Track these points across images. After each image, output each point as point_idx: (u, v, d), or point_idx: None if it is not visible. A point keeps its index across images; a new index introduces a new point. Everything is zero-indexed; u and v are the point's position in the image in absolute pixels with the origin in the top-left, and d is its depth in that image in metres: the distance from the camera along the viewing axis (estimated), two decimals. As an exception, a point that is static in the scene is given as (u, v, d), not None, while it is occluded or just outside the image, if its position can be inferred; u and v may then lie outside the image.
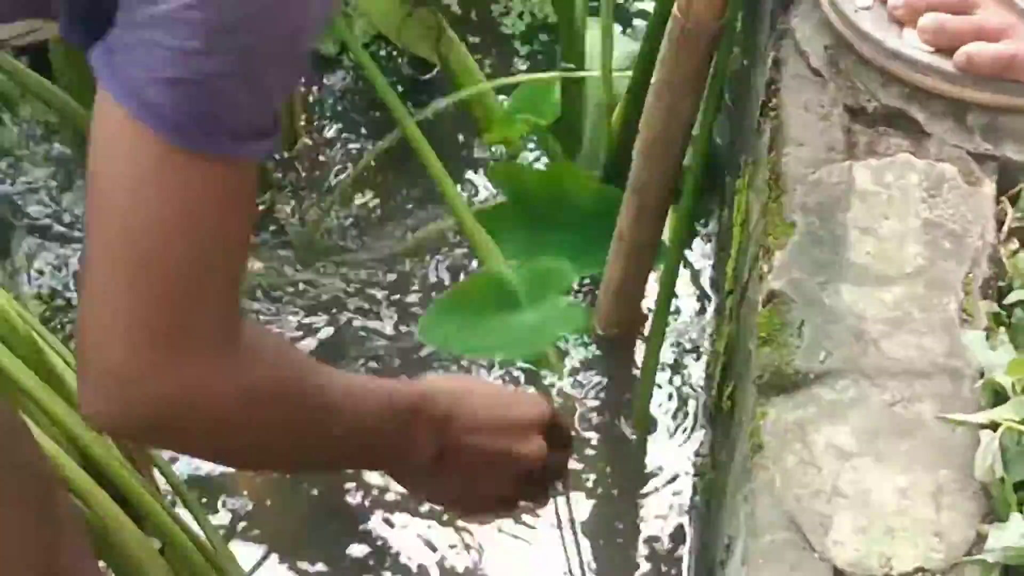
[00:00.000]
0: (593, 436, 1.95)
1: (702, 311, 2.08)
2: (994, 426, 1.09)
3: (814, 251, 1.24)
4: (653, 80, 1.69)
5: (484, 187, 2.16)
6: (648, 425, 1.98)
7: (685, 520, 1.88)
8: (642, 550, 1.84)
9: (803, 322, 1.20)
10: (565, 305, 1.82)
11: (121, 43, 0.98)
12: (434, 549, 1.80)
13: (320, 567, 1.79)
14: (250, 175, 1.03)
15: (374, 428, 1.16)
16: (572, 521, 1.67)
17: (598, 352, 2.05)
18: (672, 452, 1.91)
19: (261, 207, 2.07)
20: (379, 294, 2.03)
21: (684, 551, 1.83)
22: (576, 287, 2.01)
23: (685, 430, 1.93)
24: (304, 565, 1.78)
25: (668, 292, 1.82)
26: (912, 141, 1.31)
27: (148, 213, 0.99)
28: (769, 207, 1.29)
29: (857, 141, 1.32)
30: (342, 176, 2.14)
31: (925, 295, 1.21)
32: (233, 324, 1.04)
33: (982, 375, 1.14)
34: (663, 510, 1.87)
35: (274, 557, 1.80)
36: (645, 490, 1.90)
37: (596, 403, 2.00)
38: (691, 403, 1.96)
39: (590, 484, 1.88)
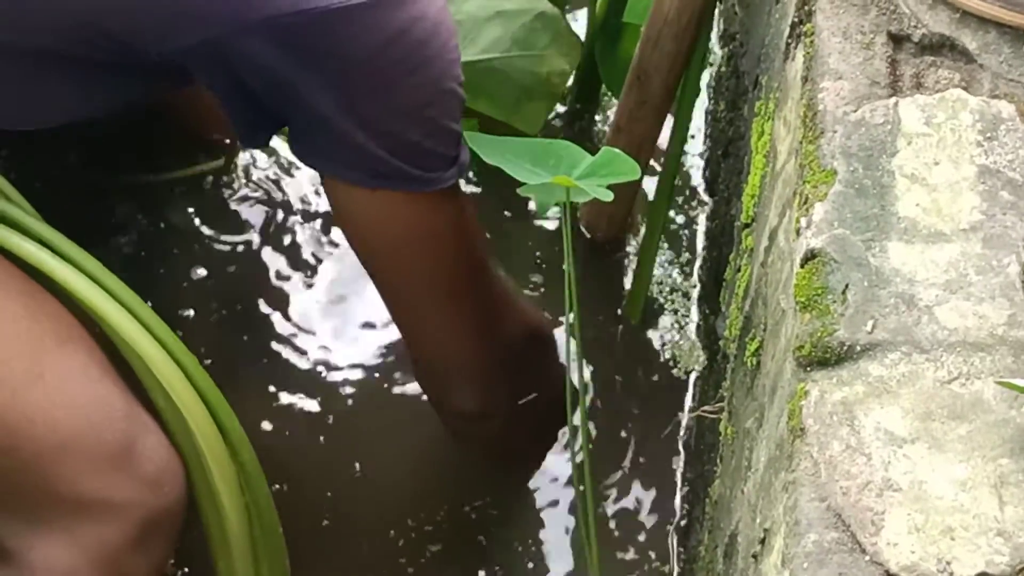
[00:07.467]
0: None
1: (693, 215, 2.00)
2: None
3: (857, 203, 1.11)
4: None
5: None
6: (641, 313, 1.89)
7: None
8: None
9: (847, 286, 1.07)
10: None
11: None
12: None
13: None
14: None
15: None
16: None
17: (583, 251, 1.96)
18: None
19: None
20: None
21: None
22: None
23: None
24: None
25: (670, 181, 1.74)
26: (963, 74, 1.18)
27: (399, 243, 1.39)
28: (805, 149, 1.15)
29: (902, 74, 1.18)
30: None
31: (983, 254, 1.08)
32: None
33: (1049, 349, 1.02)
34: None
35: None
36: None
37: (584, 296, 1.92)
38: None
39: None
